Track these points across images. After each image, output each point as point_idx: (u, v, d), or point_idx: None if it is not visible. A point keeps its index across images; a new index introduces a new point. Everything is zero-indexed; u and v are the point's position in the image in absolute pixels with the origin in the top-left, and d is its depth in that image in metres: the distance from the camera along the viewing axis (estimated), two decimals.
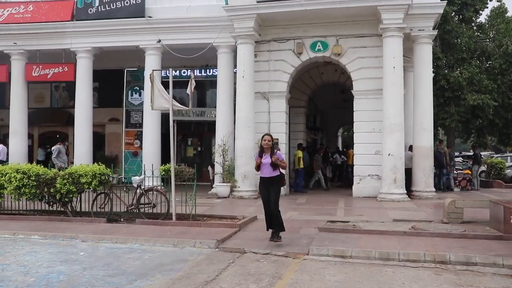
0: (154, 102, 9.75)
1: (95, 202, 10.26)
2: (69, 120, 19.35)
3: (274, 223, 7.74)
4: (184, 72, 17.73)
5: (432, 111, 14.81)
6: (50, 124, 21.73)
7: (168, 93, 9.84)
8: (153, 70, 10.27)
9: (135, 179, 10.21)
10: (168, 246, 7.74)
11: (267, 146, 7.66)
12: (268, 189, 7.70)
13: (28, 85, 18.60)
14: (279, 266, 6.47)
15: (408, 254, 6.74)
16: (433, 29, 14.49)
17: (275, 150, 7.78)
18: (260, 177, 7.82)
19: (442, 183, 16.51)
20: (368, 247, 7.21)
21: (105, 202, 10.28)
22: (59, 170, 12.11)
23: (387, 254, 6.79)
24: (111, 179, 10.23)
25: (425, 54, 14.44)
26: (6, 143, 17.49)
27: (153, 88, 9.70)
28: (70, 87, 18.18)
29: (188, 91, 10.00)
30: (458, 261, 6.50)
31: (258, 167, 7.72)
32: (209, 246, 7.61)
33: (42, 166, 10.53)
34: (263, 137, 7.82)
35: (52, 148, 13.46)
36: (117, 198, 10.37)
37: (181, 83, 14.96)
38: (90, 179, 9.68)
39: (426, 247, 7.16)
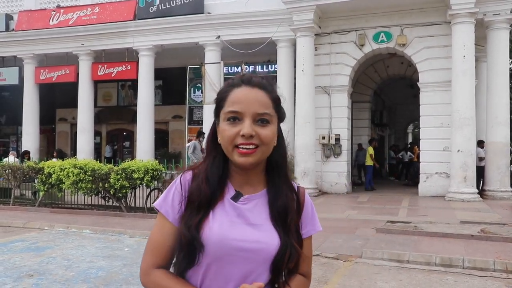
0: (205, 96, 9.58)
1: (148, 198, 10.25)
2: (134, 118, 19.77)
3: None
4: (246, 69, 17.49)
5: (509, 103, 13.51)
6: (117, 122, 22.44)
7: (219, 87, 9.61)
8: (203, 64, 10.07)
9: None
10: None
11: (250, 158, 1.31)
12: None
13: (96, 84, 19.28)
14: (327, 269, 5.99)
15: (474, 261, 6.00)
16: (511, 12, 13.19)
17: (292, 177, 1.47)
18: None
19: None
20: (429, 251, 6.54)
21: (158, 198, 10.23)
22: None
23: (450, 260, 6.09)
24: (163, 174, 10.17)
25: (500, 41, 13.10)
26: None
27: (205, 82, 9.52)
28: (135, 86, 18.59)
29: None
30: None
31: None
32: None
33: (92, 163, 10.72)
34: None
35: (188, 144, 13.38)
36: None
37: None
38: (143, 175, 9.67)
39: (496, 253, 6.36)
